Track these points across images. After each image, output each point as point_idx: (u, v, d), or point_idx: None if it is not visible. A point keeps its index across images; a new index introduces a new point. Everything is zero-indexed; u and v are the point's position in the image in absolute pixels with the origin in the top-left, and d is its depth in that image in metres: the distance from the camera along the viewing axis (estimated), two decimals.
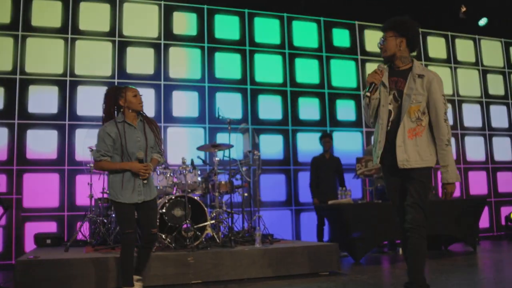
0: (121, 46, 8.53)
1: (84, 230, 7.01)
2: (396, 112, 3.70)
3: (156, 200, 4.58)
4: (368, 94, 3.67)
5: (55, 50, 8.23)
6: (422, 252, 3.58)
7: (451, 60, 10.85)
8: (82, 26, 8.40)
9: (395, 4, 9.85)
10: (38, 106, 7.98)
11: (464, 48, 11.08)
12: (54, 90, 8.12)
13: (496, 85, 11.20)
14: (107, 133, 4.28)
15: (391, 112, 3.71)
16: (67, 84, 8.16)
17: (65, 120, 8.06)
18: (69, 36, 8.28)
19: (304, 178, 9.08)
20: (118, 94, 4.38)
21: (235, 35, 9.34)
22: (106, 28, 8.54)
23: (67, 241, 7.01)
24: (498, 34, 11.29)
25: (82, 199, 7.76)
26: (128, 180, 4.30)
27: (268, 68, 9.42)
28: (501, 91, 11.23)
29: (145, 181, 4.35)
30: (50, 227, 7.80)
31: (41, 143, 7.96)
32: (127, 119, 4.38)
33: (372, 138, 8.96)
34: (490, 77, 11.18)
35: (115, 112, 4.43)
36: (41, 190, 7.85)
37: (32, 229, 7.58)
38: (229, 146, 7.21)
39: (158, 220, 6.25)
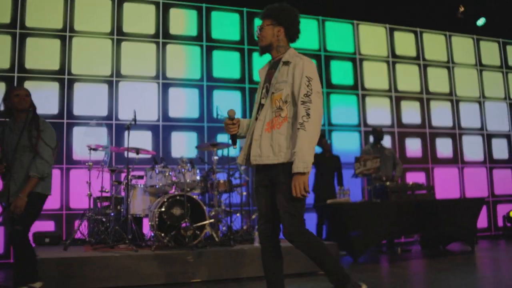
0: (119, 43, 8.52)
1: (82, 228, 6.99)
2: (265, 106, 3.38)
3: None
4: (234, 147, 3.52)
5: (52, 48, 8.21)
6: (316, 255, 3.22)
7: (450, 60, 10.86)
8: (80, 24, 8.38)
9: (391, 3, 9.90)
10: (36, 104, 7.94)
11: (463, 48, 11.10)
12: (52, 88, 8.10)
13: (494, 85, 11.22)
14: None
15: (262, 106, 3.39)
16: (65, 82, 8.13)
17: (63, 118, 8.04)
18: (67, 34, 8.26)
19: None
20: (6, 96, 4.43)
21: (234, 34, 9.33)
22: (106, 26, 8.52)
23: (65, 240, 7.00)
24: (496, 34, 11.31)
25: (80, 197, 7.74)
26: None
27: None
28: (499, 91, 11.26)
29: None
30: (49, 226, 7.78)
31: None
32: (10, 121, 4.45)
33: (370, 137, 8.99)
34: (487, 76, 11.20)
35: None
36: None
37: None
38: (228, 145, 7.20)
39: (157, 219, 6.28)
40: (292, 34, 3.45)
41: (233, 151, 7.61)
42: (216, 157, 7.05)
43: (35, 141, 4.30)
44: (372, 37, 10.31)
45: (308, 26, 9.85)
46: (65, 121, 8.06)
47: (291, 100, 3.27)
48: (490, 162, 10.82)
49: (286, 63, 3.33)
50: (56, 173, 7.92)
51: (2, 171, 4.29)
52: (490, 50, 11.35)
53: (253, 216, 7.39)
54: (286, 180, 3.13)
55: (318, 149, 8.59)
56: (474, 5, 10.50)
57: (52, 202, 7.84)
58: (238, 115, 8.72)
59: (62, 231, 7.79)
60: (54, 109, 8.06)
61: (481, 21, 10.79)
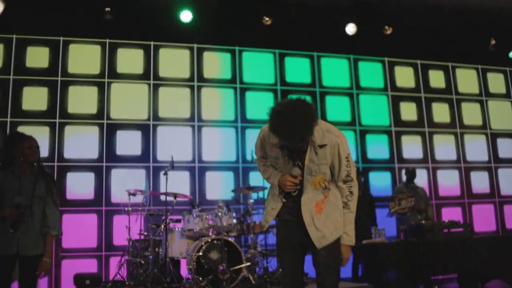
0: (156, 88, 8.79)
1: (122, 271, 7.15)
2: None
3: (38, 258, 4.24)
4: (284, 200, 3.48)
5: (91, 94, 8.53)
6: None
7: (482, 93, 10.82)
8: (118, 70, 8.70)
9: (423, 40, 9.96)
10: (76, 149, 8.24)
11: (495, 80, 11.04)
12: (92, 132, 8.38)
13: None
14: None
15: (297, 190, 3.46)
16: (104, 127, 8.40)
17: (102, 162, 8.29)
18: (106, 80, 8.57)
19: None
20: (12, 145, 4.32)
21: (267, 75, 9.51)
22: (140, 71, 8.81)
23: (105, 282, 7.17)
24: None
25: (119, 239, 7.92)
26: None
27: None
28: None
29: (10, 230, 4.11)
30: (88, 267, 7.96)
31: (79, 185, 8.18)
32: (17, 168, 4.29)
33: (404, 176, 8.90)
34: None
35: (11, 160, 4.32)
36: (79, 230, 8.04)
37: (69, 268, 7.75)
38: (263, 188, 7.32)
39: (195, 263, 6.41)
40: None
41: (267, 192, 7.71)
42: (251, 200, 7.17)
43: (53, 194, 4.32)
44: (404, 73, 10.35)
45: (339, 64, 9.97)
46: (104, 164, 8.30)
47: (331, 177, 3.43)
48: None
49: (322, 146, 3.35)
50: (95, 215, 8.13)
51: (19, 217, 4.14)
52: None
53: None
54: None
55: None
56: (505, 38, 10.48)
57: (91, 243, 8.05)
58: None
59: (102, 272, 7.95)
60: (94, 153, 8.31)
61: None
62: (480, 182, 10.37)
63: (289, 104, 3.20)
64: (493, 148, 10.62)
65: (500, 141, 10.75)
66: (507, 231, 10.16)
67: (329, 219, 3.36)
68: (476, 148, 10.51)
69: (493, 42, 10.48)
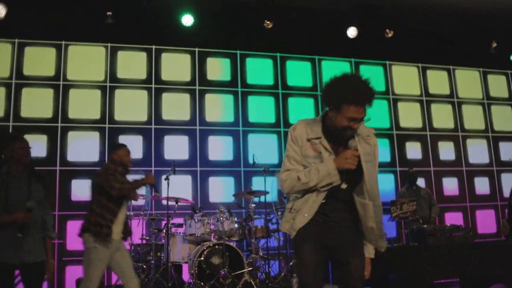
0: (157, 92, 8.79)
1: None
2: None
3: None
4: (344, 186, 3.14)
5: (94, 98, 8.54)
6: None
7: (484, 96, 10.81)
8: (120, 74, 8.71)
9: (424, 42, 9.96)
10: (78, 153, 8.25)
11: (497, 83, 11.03)
12: (94, 137, 8.38)
13: None
14: None
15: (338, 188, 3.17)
16: (106, 131, 8.40)
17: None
18: (108, 84, 8.58)
19: None
20: (3, 143, 4.12)
21: (268, 79, 9.51)
22: (142, 75, 8.82)
23: (107, 286, 7.18)
24: None
25: None
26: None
27: (302, 110, 9.54)
28: None
29: (19, 234, 3.94)
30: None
31: (84, 189, 8.16)
32: (12, 171, 4.09)
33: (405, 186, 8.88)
34: None
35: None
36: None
37: (72, 272, 7.74)
38: (265, 193, 7.32)
39: (196, 268, 6.41)
40: None
41: (269, 197, 7.69)
42: (253, 205, 7.17)
43: (47, 196, 4.29)
44: (405, 76, 10.35)
45: (341, 68, 9.95)
46: None
47: None
48: None
49: (368, 137, 3.23)
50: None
51: (27, 222, 3.98)
52: None
53: (291, 263, 7.43)
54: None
55: None
56: (507, 41, 10.48)
57: None
58: (275, 159, 8.88)
59: (104, 277, 7.93)
60: (95, 157, 8.32)
61: None
62: (482, 185, 10.35)
63: (345, 72, 3.10)
64: (495, 151, 10.61)
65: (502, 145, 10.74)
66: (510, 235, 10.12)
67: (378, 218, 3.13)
68: (478, 151, 10.49)
69: (494, 44, 10.47)
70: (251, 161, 7.75)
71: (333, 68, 9.92)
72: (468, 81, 10.81)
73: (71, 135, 8.29)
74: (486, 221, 10.15)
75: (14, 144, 4.09)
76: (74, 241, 7.86)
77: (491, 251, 7.63)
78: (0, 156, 4.11)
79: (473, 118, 10.62)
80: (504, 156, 10.62)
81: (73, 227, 7.90)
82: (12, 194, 3.98)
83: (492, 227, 10.20)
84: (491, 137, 10.67)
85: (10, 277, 4.02)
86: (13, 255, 3.96)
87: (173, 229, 7.15)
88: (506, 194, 10.43)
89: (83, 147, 8.28)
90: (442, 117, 10.40)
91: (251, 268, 6.73)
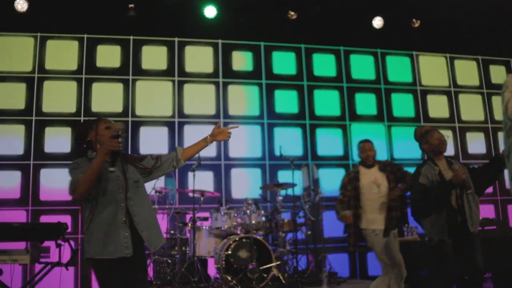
0: (180, 85, 8.66)
1: (148, 270, 7.03)
2: None
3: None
4: None
5: (115, 90, 8.44)
6: None
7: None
8: (144, 66, 8.60)
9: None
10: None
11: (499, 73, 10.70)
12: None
13: None
14: (81, 165, 3.48)
15: None
16: (129, 124, 8.30)
17: None
18: (130, 77, 8.47)
19: None
20: (88, 128, 3.60)
21: (292, 70, 9.33)
22: (164, 67, 8.70)
23: None
24: None
25: None
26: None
27: (327, 102, 9.34)
28: None
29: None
30: None
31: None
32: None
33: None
34: None
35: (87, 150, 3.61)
36: None
37: None
38: (292, 185, 7.15)
39: (223, 262, 6.27)
40: None
41: (297, 190, 7.52)
42: (280, 197, 7.01)
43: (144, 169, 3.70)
44: (433, 67, 10.10)
45: (365, 59, 9.75)
46: None
47: None
48: None
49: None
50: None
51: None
52: None
53: (319, 257, 7.27)
54: None
55: None
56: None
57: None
58: (299, 150, 8.69)
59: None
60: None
61: None
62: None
63: None
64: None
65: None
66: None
67: None
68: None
69: None
70: (277, 154, 7.59)
71: (359, 59, 9.72)
72: (498, 71, 10.50)
73: None
74: None
75: (98, 126, 3.57)
76: None
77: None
78: (86, 141, 3.61)
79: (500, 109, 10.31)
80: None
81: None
82: (105, 179, 3.44)
83: None
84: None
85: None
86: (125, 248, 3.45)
87: (198, 223, 7.01)
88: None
89: None
90: (472, 108, 10.13)
91: (279, 262, 6.57)
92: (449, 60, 10.20)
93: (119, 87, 8.46)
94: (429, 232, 4.52)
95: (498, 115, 10.24)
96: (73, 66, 8.36)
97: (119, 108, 8.39)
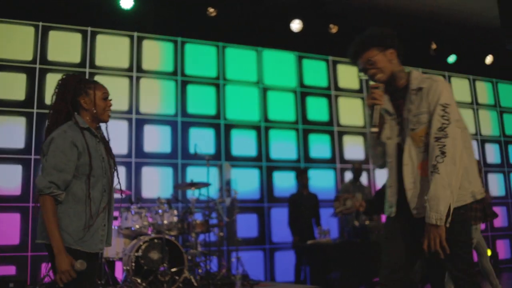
0: (92, 77, 8.21)
1: (51, 273, 6.57)
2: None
3: None
4: (374, 129, 2.87)
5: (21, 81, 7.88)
6: None
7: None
8: (51, 57, 8.08)
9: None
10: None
11: None
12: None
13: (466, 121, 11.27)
14: (72, 141, 2.82)
15: (399, 146, 2.91)
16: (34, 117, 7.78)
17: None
18: (37, 66, 7.94)
19: (278, 215, 8.86)
20: (81, 88, 2.97)
21: (209, 68, 9.13)
22: (76, 58, 8.22)
23: (31, 285, 6.61)
24: (466, 71, 11.46)
25: None
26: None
27: (242, 102, 9.23)
28: (470, 128, 11.33)
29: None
30: (9, 269, 7.24)
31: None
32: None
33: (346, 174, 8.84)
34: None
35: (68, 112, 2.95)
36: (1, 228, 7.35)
37: None
38: (206, 185, 6.97)
39: (133, 264, 5.96)
40: (400, 52, 2.97)
41: (212, 190, 7.33)
42: (194, 197, 6.80)
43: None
44: (347, 73, 10.26)
45: (283, 59, 9.74)
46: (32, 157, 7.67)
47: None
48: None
49: (419, 89, 2.84)
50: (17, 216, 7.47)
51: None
52: (461, 87, 11.47)
53: (233, 259, 7.13)
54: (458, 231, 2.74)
55: (296, 187, 8.45)
56: (445, 43, 10.64)
57: (13, 242, 7.37)
58: (212, 151, 8.51)
59: (27, 275, 7.28)
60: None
61: (452, 58, 10.91)
62: None
63: None
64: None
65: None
66: None
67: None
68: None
69: (434, 46, 10.60)
70: (191, 152, 7.38)
71: (276, 59, 9.70)
72: None
73: None
74: None
75: (95, 91, 2.99)
76: None
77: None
78: (76, 104, 2.97)
79: None
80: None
81: None
82: (95, 161, 2.90)
83: None
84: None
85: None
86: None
87: None
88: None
89: None
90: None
91: (191, 264, 6.35)
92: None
93: (22, 77, 7.87)
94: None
95: None
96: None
97: (21, 97, 7.81)
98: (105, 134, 3.12)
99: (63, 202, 2.80)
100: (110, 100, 3.07)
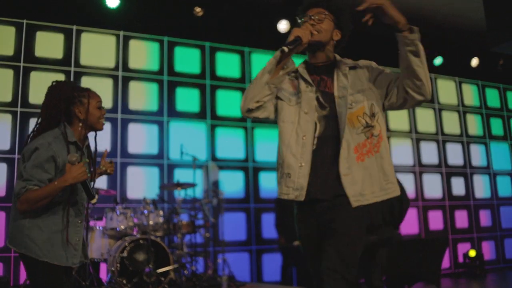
0: (77, 76, 8.12)
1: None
2: (324, 124, 2.66)
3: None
4: (286, 48, 2.65)
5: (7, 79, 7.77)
6: None
7: None
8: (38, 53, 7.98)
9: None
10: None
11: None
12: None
13: (451, 123, 11.35)
14: (52, 155, 2.76)
15: (316, 124, 2.67)
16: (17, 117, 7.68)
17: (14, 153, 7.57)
18: (22, 64, 7.83)
19: (266, 217, 8.83)
20: (75, 97, 2.92)
21: (195, 68, 9.07)
22: (60, 57, 8.12)
23: (14, 286, 6.53)
24: (452, 73, 11.51)
25: None
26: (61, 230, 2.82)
27: (230, 103, 9.18)
28: (456, 129, 11.39)
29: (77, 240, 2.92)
30: None
31: None
32: (77, 139, 2.94)
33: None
34: (445, 115, 11.33)
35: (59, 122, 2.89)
36: None
37: None
38: (192, 185, 6.93)
39: (118, 265, 5.90)
40: (343, 43, 2.85)
41: (198, 191, 7.28)
42: (180, 198, 6.75)
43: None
44: None
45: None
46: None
47: (380, 110, 2.66)
48: (449, 199, 10.86)
49: (353, 67, 2.75)
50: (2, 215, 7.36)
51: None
52: (448, 89, 11.52)
53: (219, 260, 7.08)
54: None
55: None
56: (431, 45, 10.68)
57: None
58: (200, 150, 8.45)
59: (10, 275, 7.19)
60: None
61: (438, 60, 10.95)
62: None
63: None
64: (417, 152, 10.75)
65: (423, 146, 10.91)
66: (432, 236, 10.30)
67: (377, 170, 2.58)
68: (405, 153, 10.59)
69: None
70: (178, 152, 7.32)
71: (264, 61, 9.64)
72: None
73: None
74: (408, 220, 10.25)
75: (89, 100, 2.93)
76: None
77: (414, 250, 7.64)
78: (64, 112, 2.88)
79: (399, 120, 10.71)
80: (425, 159, 10.80)
81: None
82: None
83: (414, 227, 10.33)
84: (415, 138, 10.80)
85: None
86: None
87: (91, 223, 6.57)
88: (428, 194, 10.63)
89: None
90: None
91: (177, 265, 6.30)
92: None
93: (9, 74, 7.78)
94: None
95: (393, 124, 10.61)
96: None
97: (8, 98, 7.72)
98: (92, 143, 3.11)
99: (35, 214, 2.75)
100: (104, 108, 3.05)
